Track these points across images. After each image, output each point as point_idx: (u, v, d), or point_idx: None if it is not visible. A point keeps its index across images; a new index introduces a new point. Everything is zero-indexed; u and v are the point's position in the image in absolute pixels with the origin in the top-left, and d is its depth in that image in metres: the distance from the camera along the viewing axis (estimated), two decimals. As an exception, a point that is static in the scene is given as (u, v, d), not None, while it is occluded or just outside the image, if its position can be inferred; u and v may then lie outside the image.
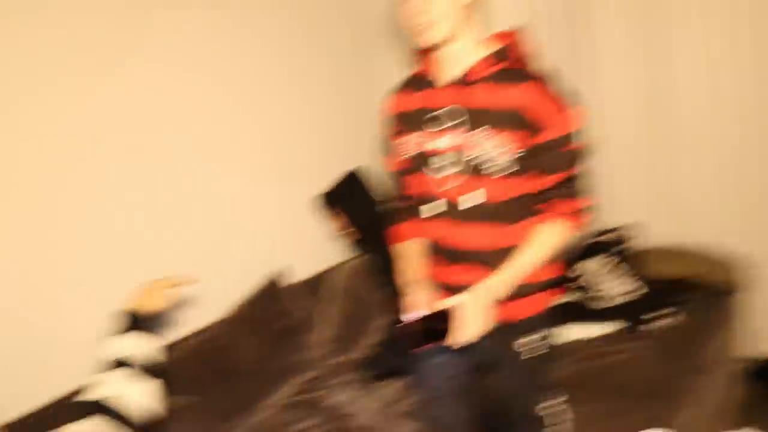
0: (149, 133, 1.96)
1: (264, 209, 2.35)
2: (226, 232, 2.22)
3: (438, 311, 1.33)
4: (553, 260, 1.41)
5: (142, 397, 1.22)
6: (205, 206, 2.15)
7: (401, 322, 1.35)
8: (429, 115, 1.39)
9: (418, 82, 1.44)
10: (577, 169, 1.35)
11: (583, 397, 1.81)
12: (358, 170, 2.50)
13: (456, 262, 1.43)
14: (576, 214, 1.37)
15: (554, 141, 1.30)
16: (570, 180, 1.34)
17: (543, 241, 1.37)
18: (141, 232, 1.95)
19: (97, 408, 1.18)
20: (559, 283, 1.48)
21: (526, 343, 1.44)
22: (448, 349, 1.38)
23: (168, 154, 2.02)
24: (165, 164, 2.01)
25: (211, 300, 2.13)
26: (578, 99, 1.35)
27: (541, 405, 1.53)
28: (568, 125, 1.30)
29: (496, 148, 1.31)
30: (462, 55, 1.33)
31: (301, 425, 1.98)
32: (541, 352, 1.47)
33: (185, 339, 2.07)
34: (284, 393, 2.14)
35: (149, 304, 1.35)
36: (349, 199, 2.41)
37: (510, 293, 1.37)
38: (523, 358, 1.45)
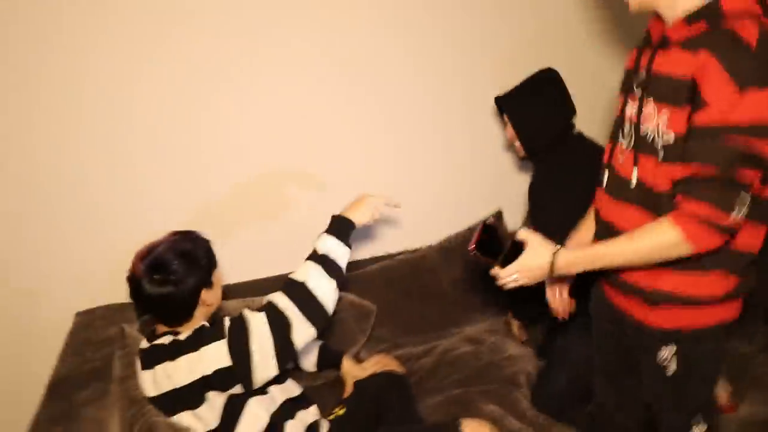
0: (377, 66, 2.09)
1: (485, 155, 2.36)
2: (447, 170, 2.30)
3: (514, 239, 1.26)
4: (728, 271, 1.17)
5: (326, 292, 1.37)
6: (430, 143, 2.25)
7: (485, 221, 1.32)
8: (634, 78, 1.25)
9: (645, 39, 1.27)
10: (731, 172, 1.04)
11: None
12: (549, 74, 1.97)
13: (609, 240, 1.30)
14: (703, 225, 1.07)
15: (711, 125, 1.03)
16: (715, 180, 1.05)
17: (645, 239, 1.14)
18: (373, 157, 2.16)
19: (299, 289, 1.36)
20: (734, 298, 1.22)
21: (670, 358, 1.26)
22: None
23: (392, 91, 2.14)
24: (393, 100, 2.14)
25: (424, 229, 2.28)
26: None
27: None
28: (737, 111, 1.01)
29: (664, 125, 1.11)
30: (669, 14, 1.14)
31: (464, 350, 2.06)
32: (693, 372, 1.27)
33: (396, 254, 2.24)
34: (471, 329, 2.20)
35: (359, 215, 1.49)
36: (523, 106, 1.96)
37: (643, 294, 1.23)
38: (668, 373, 1.27)
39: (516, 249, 1.25)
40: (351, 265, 1.50)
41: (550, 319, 1.63)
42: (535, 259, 1.24)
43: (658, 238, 1.13)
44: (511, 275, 1.25)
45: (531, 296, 1.94)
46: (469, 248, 1.27)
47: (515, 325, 2.16)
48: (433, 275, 2.22)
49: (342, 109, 2.07)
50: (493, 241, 1.29)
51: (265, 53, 1.92)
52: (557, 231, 1.41)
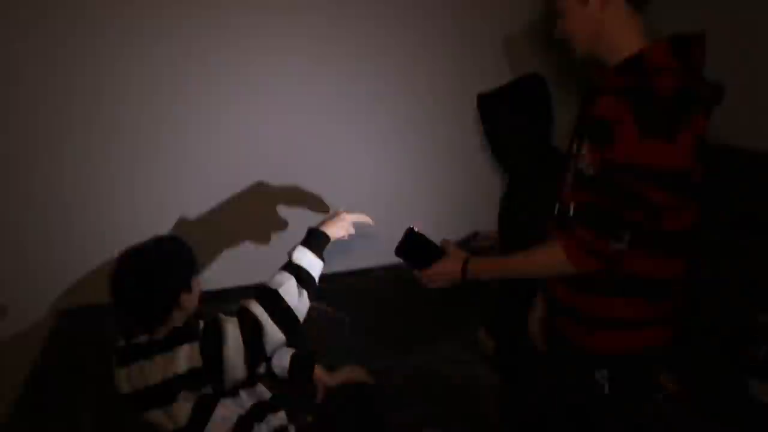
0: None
1: (465, 174, 2.40)
2: (427, 187, 2.36)
3: (433, 245, 1.44)
4: (646, 298, 1.30)
5: (297, 301, 1.42)
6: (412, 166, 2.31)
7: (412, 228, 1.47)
8: (580, 118, 1.38)
9: (589, 84, 1.40)
10: (617, 208, 1.15)
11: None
12: (532, 80, 1.84)
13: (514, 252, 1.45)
14: (582, 249, 1.21)
15: (609, 162, 1.14)
16: (602, 211, 1.17)
17: (538, 255, 1.33)
18: (353, 174, 2.23)
19: (272, 296, 1.41)
20: (661, 324, 1.34)
21: (603, 380, 1.37)
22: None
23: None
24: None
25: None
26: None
27: None
28: (633, 155, 1.10)
29: (590, 163, 1.23)
30: (607, 62, 1.26)
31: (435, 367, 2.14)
32: (624, 393, 1.39)
33: (373, 269, 2.30)
34: (444, 347, 2.27)
35: (334, 229, 1.55)
36: (499, 105, 1.86)
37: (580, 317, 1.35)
38: (602, 393, 1.38)
39: (435, 255, 1.43)
40: (327, 277, 1.56)
41: (513, 339, 1.70)
42: (449, 265, 1.40)
43: (548, 256, 1.31)
44: (428, 277, 1.42)
45: (507, 316, 2.03)
46: (395, 252, 1.45)
47: (488, 344, 2.21)
48: (408, 291, 2.27)
49: (322, 126, 2.14)
50: (417, 247, 1.45)
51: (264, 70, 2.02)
52: (525, 241, 1.48)
